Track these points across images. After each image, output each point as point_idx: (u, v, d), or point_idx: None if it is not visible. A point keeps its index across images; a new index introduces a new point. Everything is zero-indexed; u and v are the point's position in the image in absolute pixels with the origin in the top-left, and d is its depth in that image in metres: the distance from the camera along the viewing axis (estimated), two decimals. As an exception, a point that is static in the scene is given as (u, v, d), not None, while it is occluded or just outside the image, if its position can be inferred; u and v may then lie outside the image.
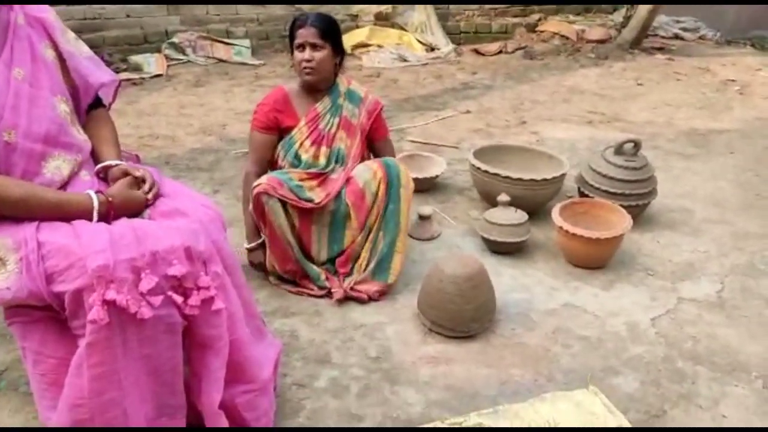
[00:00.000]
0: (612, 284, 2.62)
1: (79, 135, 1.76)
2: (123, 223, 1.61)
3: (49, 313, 1.58)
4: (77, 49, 1.83)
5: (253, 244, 2.63)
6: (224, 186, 3.52)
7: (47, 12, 1.78)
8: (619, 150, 3.04)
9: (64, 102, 1.73)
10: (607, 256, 2.71)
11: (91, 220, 1.60)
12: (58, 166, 1.67)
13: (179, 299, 1.57)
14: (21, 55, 1.63)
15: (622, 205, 2.86)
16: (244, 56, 6.40)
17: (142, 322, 1.51)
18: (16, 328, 1.62)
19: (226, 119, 4.70)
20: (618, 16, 7.64)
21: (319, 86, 2.54)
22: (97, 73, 1.86)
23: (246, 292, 1.87)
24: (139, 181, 1.74)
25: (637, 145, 3.01)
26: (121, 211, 1.65)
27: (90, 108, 1.89)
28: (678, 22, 7.75)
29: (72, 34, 1.85)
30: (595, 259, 2.70)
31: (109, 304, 1.45)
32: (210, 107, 5.00)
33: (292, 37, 2.46)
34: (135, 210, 1.69)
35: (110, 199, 1.64)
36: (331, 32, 2.45)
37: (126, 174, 1.75)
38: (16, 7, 1.67)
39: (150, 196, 1.73)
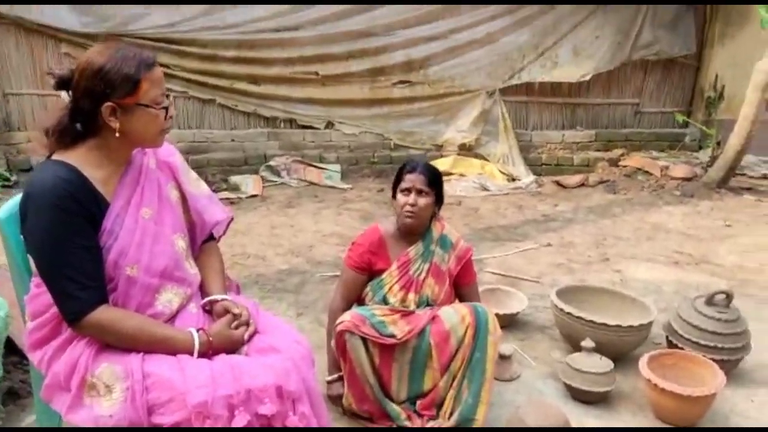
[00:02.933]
0: (705, 446, 2.48)
1: (191, 269, 1.89)
2: (222, 359, 1.69)
3: (142, 438, 1.66)
4: (197, 189, 2.00)
5: (333, 377, 2.66)
6: (308, 309, 3.63)
7: (174, 155, 1.96)
8: (710, 301, 2.96)
9: (182, 239, 1.87)
10: (700, 414, 2.58)
11: (192, 355, 1.70)
12: (169, 299, 1.78)
13: (268, 437, 1.63)
14: (150, 196, 1.79)
15: (713, 359, 2.74)
16: (334, 180, 6.79)
17: None
18: None
19: (314, 241, 4.91)
20: (704, 155, 7.62)
21: (415, 231, 2.62)
22: (212, 210, 2.01)
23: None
24: (238, 318, 1.84)
25: (729, 296, 2.93)
26: (219, 350, 1.74)
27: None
28: (766, 162, 7.64)
29: (194, 174, 2.02)
30: (686, 417, 2.56)
31: (204, 439, 1.52)
32: (299, 228, 5.25)
33: (398, 179, 2.58)
34: (232, 349, 1.78)
35: (210, 339, 1.73)
36: (436, 181, 2.56)
37: (227, 311, 1.87)
38: (149, 151, 1.87)
39: (246, 336, 1.82)
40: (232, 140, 7.02)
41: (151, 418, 1.57)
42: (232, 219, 2.14)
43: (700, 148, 8.05)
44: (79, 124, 1.68)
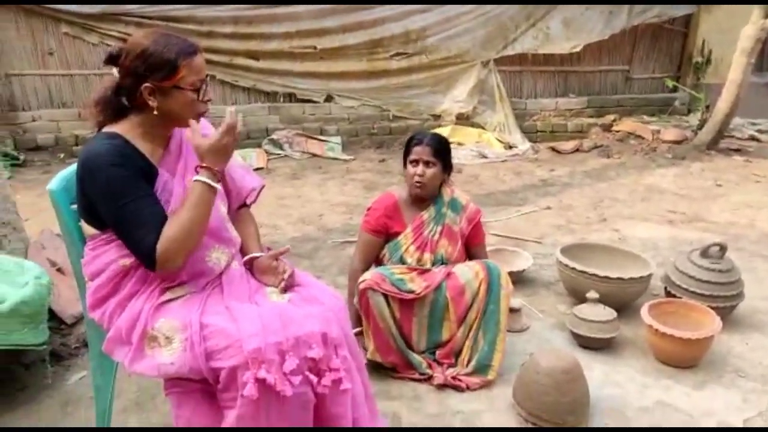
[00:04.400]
0: (704, 384, 2.69)
1: (233, 231, 2.06)
2: (270, 309, 1.85)
3: (201, 386, 1.80)
4: (233, 160, 2.14)
5: (355, 330, 2.83)
6: (324, 273, 3.80)
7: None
8: (705, 253, 3.16)
9: (223, 204, 2.02)
10: (698, 356, 2.79)
11: (215, 191, 1.78)
12: (218, 257, 1.93)
13: (314, 379, 1.79)
14: (193, 165, 1.89)
15: (710, 307, 2.95)
16: (336, 152, 6.94)
17: (283, 399, 1.71)
18: (173, 398, 1.84)
19: (322, 210, 5.08)
20: (693, 118, 7.82)
21: (425, 197, 2.78)
22: (247, 178, 2.17)
23: (365, 376, 2.07)
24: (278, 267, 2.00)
25: (723, 248, 3.13)
26: (218, 162, 1.78)
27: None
28: (753, 124, 7.84)
29: None
30: (686, 358, 2.78)
31: (260, 382, 1.67)
32: (306, 198, 5.41)
33: (407, 151, 2.75)
34: (227, 153, 1.81)
35: (204, 165, 1.77)
36: (443, 151, 2.72)
37: (274, 257, 2.05)
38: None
39: (283, 284, 1.98)
40: (234, 115, 7.13)
41: (210, 364, 1.72)
42: (263, 186, 2.29)
43: (690, 111, 8.24)
44: (124, 99, 1.81)
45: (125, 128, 1.81)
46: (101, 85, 1.87)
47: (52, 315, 2.93)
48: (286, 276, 2.01)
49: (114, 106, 1.83)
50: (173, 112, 1.79)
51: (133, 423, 2.43)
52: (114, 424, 2.35)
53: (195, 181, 1.77)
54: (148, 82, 1.74)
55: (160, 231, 1.71)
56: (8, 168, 5.78)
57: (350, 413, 1.90)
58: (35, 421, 2.43)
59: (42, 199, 2.04)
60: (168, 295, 1.84)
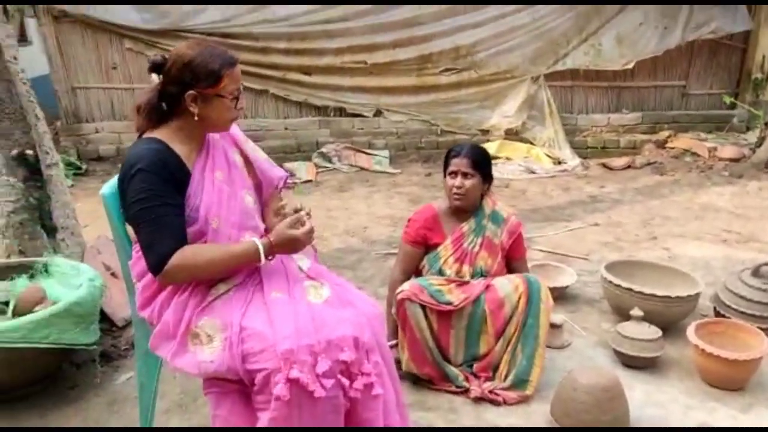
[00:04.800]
0: (751, 407, 2.59)
1: (259, 222, 2.10)
2: (305, 310, 1.88)
3: (238, 387, 1.85)
4: (258, 154, 2.23)
5: (391, 342, 2.85)
6: (366, 284, 3.84)
7: (235, 128, 2.16)
8: (756, 272, 3.06)
9: (249, 194, 2.09)
10: (746, 378, 2.70)
11: (257, 261, 1.88)
12: None
13: (346, 382, 1.82)
14: (219, 161, 2.01)
15: (760, 328, 2.85)
16: (383, 165, 7.02)
17: (315, 401, 1.74)
18: (212, 397, 1.90)
19: (368, 222, 5.14)
20: (752, 135, 7.57)
21: (465, 209, 2.79)
22: (273, 170, 2.26)
23: (397, 383, 2.09)
24: (299, 219, 1.96)
25: (775, 268, 3.03)
26: (280, 249, 1.90)
27: None
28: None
29: (252, 143, 2.25)
30: (733, 380, 2.69)
31: (292, 383, 1.70)
32: (353, 211, 5.48)
33: (446, 164, 2.77)
34: (293, 247, 1.93)
35: (271, 239, 1.88)
36: (482, 163, 2.74)
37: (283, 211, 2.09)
38: None
39: (306, 230, 1.94)
40: (286, 128, 7.33)
41: (245, 365, 1.77)
42: (287, 177, 2.35)
43: (748, 129, 7.99)
44: (165, 105, 1.92)
45: (165, 133, 1.92)
46: (143, 92, 1.99)
47: (104, 317, 3.06)
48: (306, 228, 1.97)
49: (158, 112, 1.94)
50: (211, 117, 1.92)
51: (174, 423, 2.50)
52: (156, 425, 2.43)
53: (253, 240, 1.88)
54: (192, 90, 1.85)
55: (177, 242, 1.81)
56: (70, 176, 6.07)
57: (382, 419, 1.91)
58: (83, 418, 2.54)
59: (101, 206, 2.15)
60: (212, 293, 1.91)
